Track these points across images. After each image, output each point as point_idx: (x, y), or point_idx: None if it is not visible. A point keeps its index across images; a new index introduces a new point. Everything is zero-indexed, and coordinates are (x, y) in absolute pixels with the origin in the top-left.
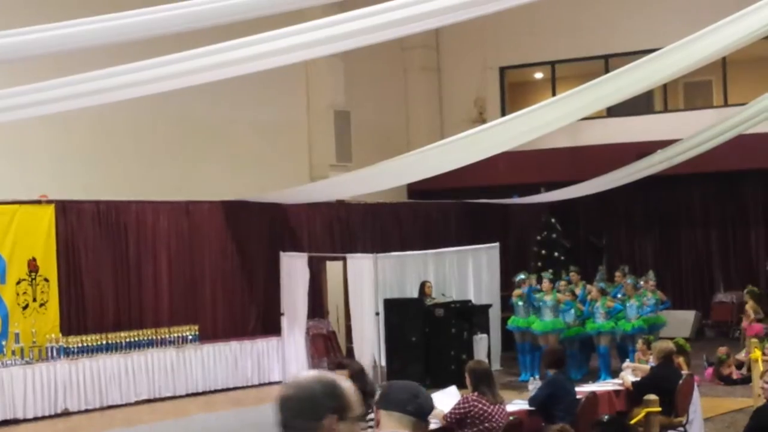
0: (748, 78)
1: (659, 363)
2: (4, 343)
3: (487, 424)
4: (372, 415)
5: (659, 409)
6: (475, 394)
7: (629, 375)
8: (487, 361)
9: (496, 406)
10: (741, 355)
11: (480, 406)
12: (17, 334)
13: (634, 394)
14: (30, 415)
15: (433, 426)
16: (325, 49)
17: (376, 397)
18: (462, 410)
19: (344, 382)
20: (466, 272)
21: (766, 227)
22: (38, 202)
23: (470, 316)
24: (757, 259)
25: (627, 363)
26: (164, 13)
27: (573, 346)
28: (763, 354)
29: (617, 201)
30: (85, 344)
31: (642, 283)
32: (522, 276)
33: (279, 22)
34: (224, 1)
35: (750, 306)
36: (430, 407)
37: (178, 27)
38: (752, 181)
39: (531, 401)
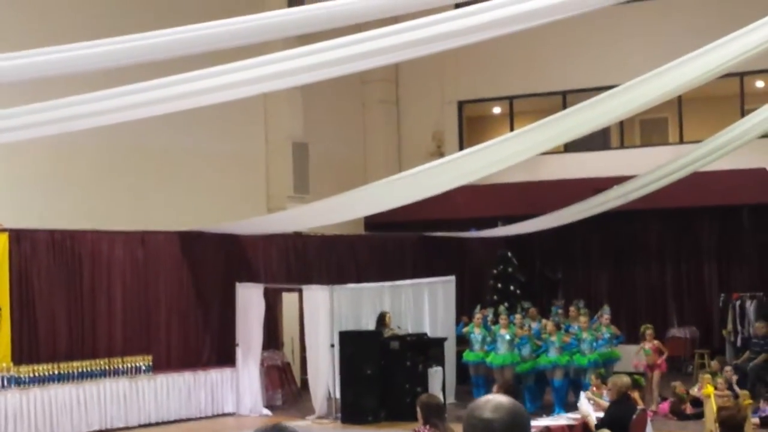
0: (703, 116)
1: (617, 399)
2: None
3: None
4: None
5: None
6: (427, 427)
7: (588, 405)
8: (442, 394)
9: None
10: (694, 390)
11: None
12: None
13: (597, 427)
14: None
15: None
16: (286, 82)
17: None
18: None
19: None
20: (422, 305)
21: (720, 263)
22: None
23: (425, 349)
24: (710, 295)
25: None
26: (126, 45)
27: (529, 379)
28: (716, 389)
29: (573, 236)
30: (36, 374)
31: (597, 317)
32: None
33: (239, 55)
34: (186, 33)
35: (660, 345)
36: None
37: (140, 58)
38: (706, 218)
39: None
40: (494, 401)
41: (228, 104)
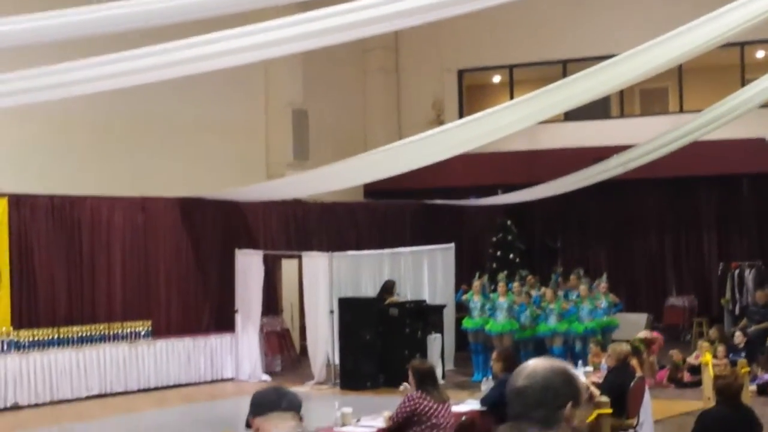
0: (703, 86)
1: (616, 366)
2: None
3: (434, 420)
4: None
5: (610, 410)
6: (419, 392)
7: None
8: (441, 361)
9: (442, 404)
10: (692, 358)
11: (425, 403)
12: None
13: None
14: None
15: (380, 426)
16: (286, 49)
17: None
18: (408, 409)
19: (572, 368)
20: (421, 272)
21: (719, 232)
22: None
23: (425, 316)
24: (709, 264)
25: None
26: (124, 10)
27: (528, 347)
28: (714, 357)
29: (573, 204)
30: (36, 338)
31: (595, 285)
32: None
33: (240, 21)
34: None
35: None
36: (300, 401)
37: (139, 24)
38: (706, 187)
39: (483, 401)
40: (530, 367)
41: (228, 71)
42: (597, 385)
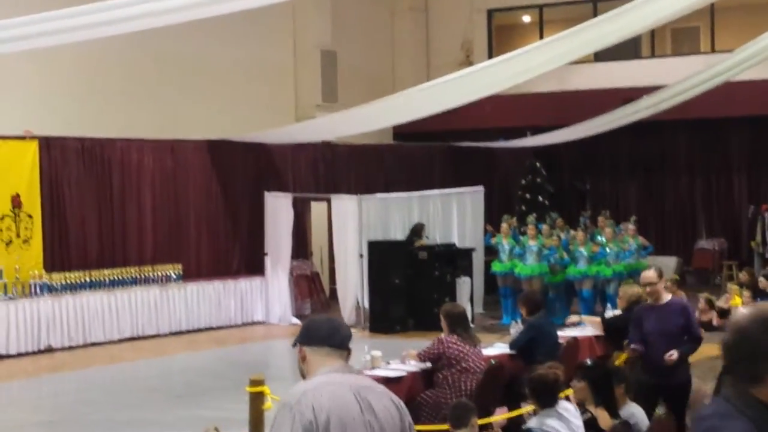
0: (735, 25)
1: (627, 307)
2: None
3: (464, 365)
4: None
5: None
6: (451, 335)
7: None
8: (469, 304)
9: (474, 348)
10: (721, 302)
11: (456, 347)
12: (0, 270)
13: (605, 333)
14: (13, 351)
15: (410, 369)
16: None
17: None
18: (436, 351)
19: None
20: (451, 215)
21: (749, 175)
22: (22, 137)
23: (454, 259)
24: (739, 207)
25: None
26: None
27: (558, 290)
28: (743, 303)
29: (602, 146)
30: (68, 281)
31: (621, 227)
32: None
33: None
34: None
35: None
36: (350, 336)
37: None
38: (737, 129)
39: (512, 345)
40: (734, 319)
41: (256, 11)
42: (610, 321)
